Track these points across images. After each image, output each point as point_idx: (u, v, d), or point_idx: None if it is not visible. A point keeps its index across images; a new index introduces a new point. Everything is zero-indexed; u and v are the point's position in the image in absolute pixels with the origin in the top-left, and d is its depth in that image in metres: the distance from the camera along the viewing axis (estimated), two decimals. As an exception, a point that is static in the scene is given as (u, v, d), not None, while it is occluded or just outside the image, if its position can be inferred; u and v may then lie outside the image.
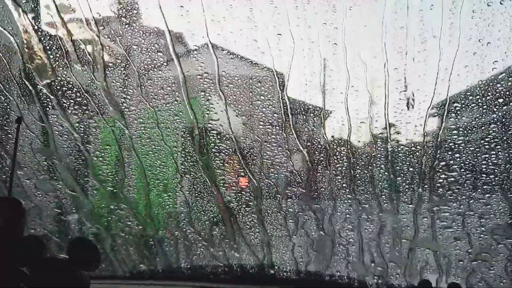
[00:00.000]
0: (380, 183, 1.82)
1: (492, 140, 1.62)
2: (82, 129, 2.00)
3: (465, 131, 1.68)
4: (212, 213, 1.99)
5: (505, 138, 1.61)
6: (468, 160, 1.68)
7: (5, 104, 1.95)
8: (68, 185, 1.98)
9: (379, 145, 1.82)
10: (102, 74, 1.90)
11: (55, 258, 0.85)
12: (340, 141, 1.91)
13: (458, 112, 1.67)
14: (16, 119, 1.03)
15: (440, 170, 1.72)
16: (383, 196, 1.83)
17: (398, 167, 1.81)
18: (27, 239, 0.84)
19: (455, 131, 1.69)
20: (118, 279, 1.81)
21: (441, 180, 1.73)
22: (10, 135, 1.90)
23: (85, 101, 1.95)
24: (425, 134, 1.75)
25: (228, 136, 1.92)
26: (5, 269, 0.80)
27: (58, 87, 1.93)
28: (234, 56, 1.87)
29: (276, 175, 1.94)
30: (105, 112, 1.97)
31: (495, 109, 1.61)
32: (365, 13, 1.70)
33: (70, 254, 0.82)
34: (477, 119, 1.65)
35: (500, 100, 1.58)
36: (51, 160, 1.97)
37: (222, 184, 1.97)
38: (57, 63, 1.91)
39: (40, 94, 1.92)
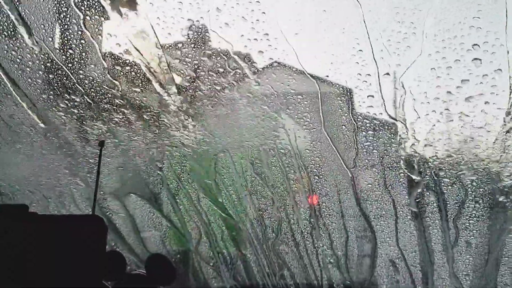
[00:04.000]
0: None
1: None
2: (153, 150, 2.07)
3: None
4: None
5: None
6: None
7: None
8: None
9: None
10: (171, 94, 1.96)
11: (135, 273, 0.90)
12: (415, 157, 1.78)
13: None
14: (99, 142, 1.09)
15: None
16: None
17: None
18: (110, 254, 0.89)
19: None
20: None
21: None
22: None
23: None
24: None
25: (295, 154, 1.89)
26: (90, 283, 0.84)
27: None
28: (300, 73, 1.84)
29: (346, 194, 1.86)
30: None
31: None
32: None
33: (148, 269, 0.86)
34: None
35: None
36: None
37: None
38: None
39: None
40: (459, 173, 1.72)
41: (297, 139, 1.88)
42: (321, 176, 1.90)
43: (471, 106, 1.62)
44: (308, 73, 1.82)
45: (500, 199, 1.66)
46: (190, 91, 1.97)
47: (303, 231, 1.92)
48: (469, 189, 1.71)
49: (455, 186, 1.73)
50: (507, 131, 1.59)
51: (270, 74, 1.86)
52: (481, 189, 1.71)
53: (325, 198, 1.90)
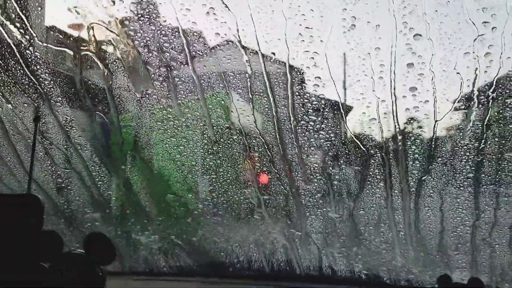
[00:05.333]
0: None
1: None
2: (100, 127, 2.03)
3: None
4: (230, 209, 1.99)
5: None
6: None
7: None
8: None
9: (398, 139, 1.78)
10: (122, 73, 1.93)
11: (72, 252, 0.88)
12: (359, 136, 1.88)
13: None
14: (34, 118, 1.03)
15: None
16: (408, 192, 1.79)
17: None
18: (45, 234, 0.85)
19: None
20: (133, 275, 1.83)
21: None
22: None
23: (104, 100, 1.98)
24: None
25: (248, 133, 1.92)
26: (25, 263, 0.81)
27: (77, 87, 1.97)
28: (253, 52, 1.85)
29: (295, 172, 1.91)
30: (124, 111, 2.00)
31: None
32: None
33: (87, 248, 0.85)
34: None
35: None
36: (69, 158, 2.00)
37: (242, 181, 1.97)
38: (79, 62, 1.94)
39: (58, 92, 1.95)
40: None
41: (245, 119, 1.90)
42: (269, 156, 1.94)
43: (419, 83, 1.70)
44: (257, 52, 1.82)
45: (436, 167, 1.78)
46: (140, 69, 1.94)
47: (250, 208, 1.96)
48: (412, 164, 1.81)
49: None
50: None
51: (218, 53, 1.86)
52: (419, 163, 1.82)
53: (274, 177, 1.93)
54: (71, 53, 1.93)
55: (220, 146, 1.98)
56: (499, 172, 1.67)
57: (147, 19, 1.88)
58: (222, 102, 1.93)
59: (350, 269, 1.80)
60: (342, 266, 1.81)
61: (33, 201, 0.85)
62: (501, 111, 1.64)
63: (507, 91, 1.59)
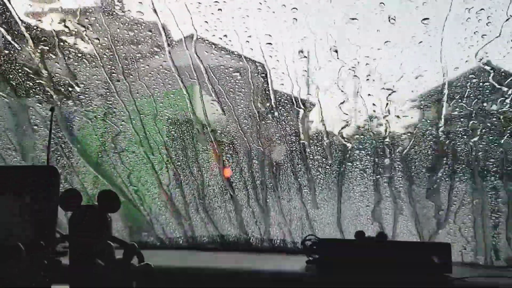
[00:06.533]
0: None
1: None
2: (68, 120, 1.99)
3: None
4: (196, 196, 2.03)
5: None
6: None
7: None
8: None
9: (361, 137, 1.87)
10: (87, 66, 1.87)
11: (89, 205, 1.12)
12: (323, 133, 1.91)
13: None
14: (50, 108, 1.26)
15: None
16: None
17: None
18: (67, 191, 1.08)
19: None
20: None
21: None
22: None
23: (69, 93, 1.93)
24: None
25: (211, 127, 1.92)
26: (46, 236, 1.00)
27: (42, 79, 1.90)
28: (218, 47, 1.84)
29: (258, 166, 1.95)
30: (90, 104, 1.95)
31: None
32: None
33: (99, 201, 1.10)
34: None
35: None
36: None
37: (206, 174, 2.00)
38: (40, 55, 1.87)
39: (20, 85, 1.90)
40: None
41: (212, 113, 1.90)
42: (234, 150, 1.95)
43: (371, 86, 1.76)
44: (224, 48, 1.82)
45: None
46: (105, 59, 1.88)
47: (213, 203, 2.00)
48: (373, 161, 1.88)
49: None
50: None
51: (186, 46, 1.82)
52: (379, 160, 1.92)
53: (238, 171, 1.95)
54: (30, 43, 1.84)
55: (184, 141, 1.98)
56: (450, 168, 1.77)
57: (110, 9, 1.83)
58: (186, 96, 1.90)
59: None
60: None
61: (51, 172, 1.04)
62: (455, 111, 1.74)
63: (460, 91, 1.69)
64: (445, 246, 1.38)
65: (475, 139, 1.69)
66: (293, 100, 1.87)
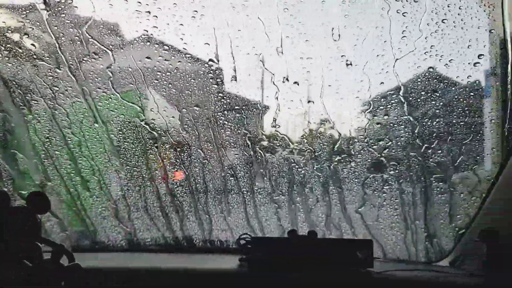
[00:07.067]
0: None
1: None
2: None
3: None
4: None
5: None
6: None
7: None
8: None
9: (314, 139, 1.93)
10: (30, 65, 1.84)
11: (18, 206, 1.22)
12: (276, 136, 1.96)
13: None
14: None
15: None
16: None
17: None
18: None
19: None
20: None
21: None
22: None
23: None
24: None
25: (162, 131, 1.93)
26: None
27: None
28: (171, 48, 1.84)
29: (210, 170, 1.98)
30: (32, 105, 1.91)
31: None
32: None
33: (29, 203, 1.12)
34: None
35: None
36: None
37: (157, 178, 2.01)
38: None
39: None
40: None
41: (164, 116, 1.91)
42: (187, 153, 1.96)
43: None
44: (175, 48, 1.82)
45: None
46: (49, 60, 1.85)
47: (155, 206, 2.02)
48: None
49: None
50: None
51: (137, 48, 1.82)
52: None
53: (191, 174, 1.98)
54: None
55: (128, 144, 1.97)
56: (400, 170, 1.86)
57: (59, 7, 1.80)
58: (137, 99, 1.90)
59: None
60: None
61: None
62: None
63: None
64: (367, 242, 1.49)
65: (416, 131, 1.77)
66: (246, 103, 1.91)
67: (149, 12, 1.74)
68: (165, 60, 1.85)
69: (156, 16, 1.75)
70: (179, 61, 1.85)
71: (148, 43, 1.82)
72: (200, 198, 1.99)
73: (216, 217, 1.99)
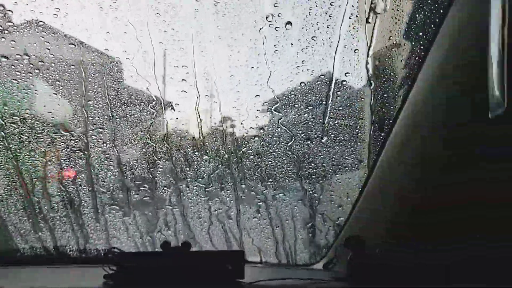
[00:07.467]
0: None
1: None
2: None
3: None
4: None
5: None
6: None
7: None
8: None
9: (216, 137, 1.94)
10: None
11: None
12: (179, 132, 1.96)
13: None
14: None
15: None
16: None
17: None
18: None
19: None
20: None
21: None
22: None
23: None
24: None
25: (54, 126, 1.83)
26: None
27: None
28: (65, 36, 1.75)
29: (108, 167, 1.92)
30: None
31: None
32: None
33: None
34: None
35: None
36: None
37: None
38: None
39: None
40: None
41: (58, 108, 1.82)
42: (86, 151, 1.88)
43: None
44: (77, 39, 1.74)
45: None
46: None
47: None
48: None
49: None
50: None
51: (28, 34, 1.69)
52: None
53: (83, 173, 1.90)
54: None
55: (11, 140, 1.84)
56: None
57: None
58: (23, 90, 1.77)
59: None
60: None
61: None
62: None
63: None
64: (238, 253, 1.51)
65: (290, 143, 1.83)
66: (149, 99, 1.85)
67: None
68: (58, 48, 1.73)
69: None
70: (74, 50, 1.75)
71: (46, 30, 1.70)
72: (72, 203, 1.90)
73: (90, 226, 1.92)
